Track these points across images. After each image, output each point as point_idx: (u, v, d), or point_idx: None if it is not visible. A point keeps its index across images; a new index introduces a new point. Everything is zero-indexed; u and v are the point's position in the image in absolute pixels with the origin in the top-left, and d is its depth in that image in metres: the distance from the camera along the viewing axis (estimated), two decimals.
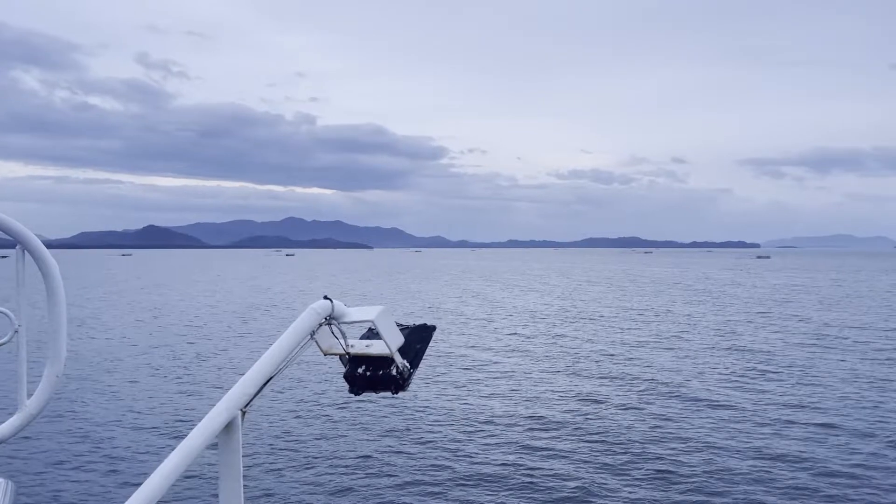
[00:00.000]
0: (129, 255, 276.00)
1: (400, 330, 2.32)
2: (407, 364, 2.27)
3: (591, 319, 34.72)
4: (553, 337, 28.16)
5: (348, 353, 2.25)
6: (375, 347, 2.25)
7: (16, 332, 2.17)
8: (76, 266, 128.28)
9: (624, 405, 16.19)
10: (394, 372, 2.24)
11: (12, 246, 2.22)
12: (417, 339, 2.39)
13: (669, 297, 49.55)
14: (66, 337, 2.14)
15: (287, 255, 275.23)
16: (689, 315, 36.27)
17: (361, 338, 2.32)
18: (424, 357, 2.37)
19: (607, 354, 23.48)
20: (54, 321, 2.12)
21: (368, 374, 2.25)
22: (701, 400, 16.62)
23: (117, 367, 21.32)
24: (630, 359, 22.55)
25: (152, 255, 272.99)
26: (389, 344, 2.21)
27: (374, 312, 2.20)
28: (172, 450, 1.77)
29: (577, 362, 22.04)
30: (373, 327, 2.23)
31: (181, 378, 19.53)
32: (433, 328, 2.47)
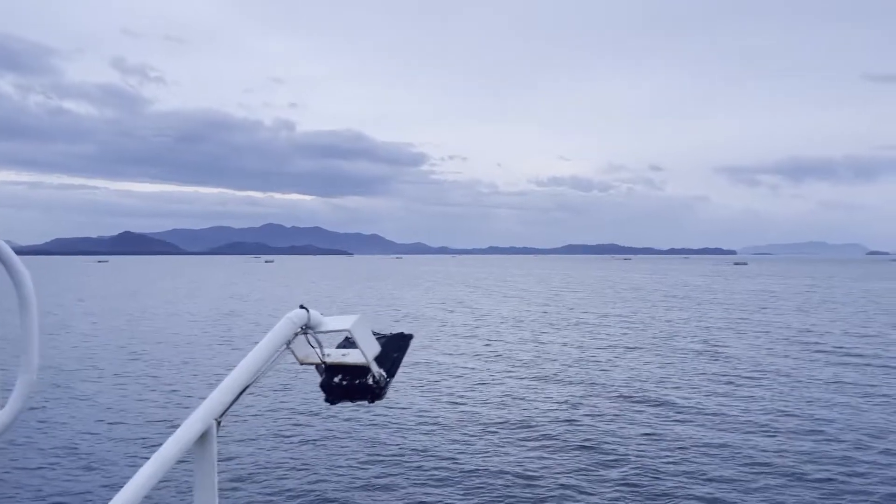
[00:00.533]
0: (106, 261, 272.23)
1: (377, 339, 2.31)
2: (383, 373, 2.26)
3: (571, 326, 34.72)
4: (533, 344, 28.08)
5: (324, 363, 2.23)
6: (352, 356, 2.23)
7: None
8: (51, 273, 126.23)
9: (604, 412, 16.12)
10: (370, 381, 2.23)
11: None
12: (394, 347, 2.36)
13: (650, 303, 49.78)
14: (38, 346, 2.08)
15: (266, 261, 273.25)
16: (669, 321, 36.44)
17: (338, 347, 2.29)
18: (401, 366, 2.35)
19: (587, 361, 23.44)
20: (27, 330, 2.06)
21: (345, 383, 2.23)
22: (681, 406, 16.61)
23: (91, 376, 20.88)
24: (611, 365, 22.52)
25: (128, 262, 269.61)
26: (366, 353, 2.19)
27: (350, 321, 2.19)
28: (147, 460, 1.74)
29: (558, 369, 21.91)
30: (349, 336, 2.22)
31: (156, 387, 19.16)
32: (410, 337, 2.45)
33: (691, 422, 15.14)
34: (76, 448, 13.31)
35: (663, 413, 15.95)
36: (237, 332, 32.15)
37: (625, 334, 30.77)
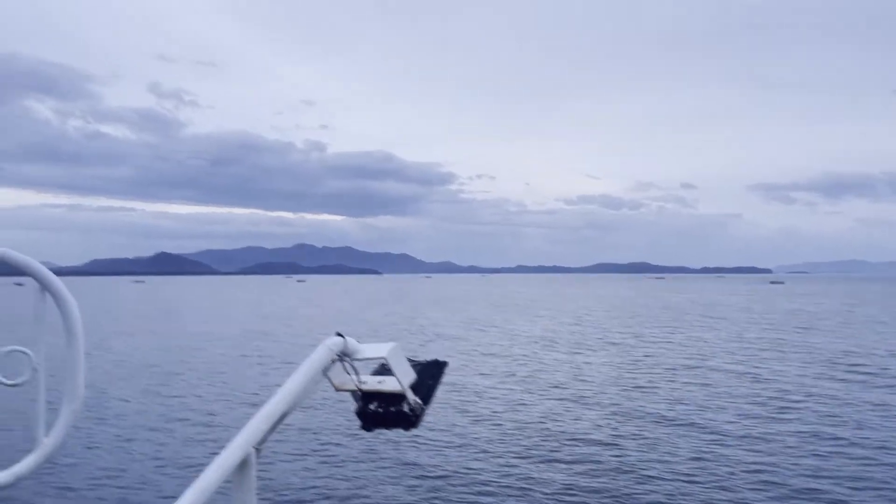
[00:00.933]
0: (142, 281, 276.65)
1: (412, 366, 2.31)
2: (419, 400, 2.25)
3: (607, 346, 34.33)
4: (568, 365, 27.82)
5: (360, 390, 2.23)
6: (387, 384, 2.23)
7: (34, 370, 2.15)
8: (88, 293, 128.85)
9: (645, 434, 15.86)
10: (406, 408, 2.22)
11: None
12: (429, 375, 2.35)
13: (687, 323, 49.04)
14: (83, 375, 2.14)
15: (298, 280, 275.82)
16: (707, 341, 35.84)
17: (373, 374, 2.29)
18: (436, 393, 2.34)
19: (625, 382, 23.15)
20: (72, 359, 2.13)
21: (381, 410, 2.23)
22: (724, 429, 16.30)
23: (132, 397, 21.16)
24: (650, 386, 22.19)
25: (165, 282, 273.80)
26: (401, 380, 2.20)
27: (385, 349, 2.20)
28: (187, 487, 1.77)
29: (595, 391, 21.63)
30: (385, 363, 2.22)
31: (195, 413, 19.28)
32: (445, 364, 2.44)
33: (735, 445, 14.83)
34: (117, 475, 13.42)
35: (706, 436, 15.66)
36: (273, 353, 32.35)
37: (663, 355, 30.32)
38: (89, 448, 15.15)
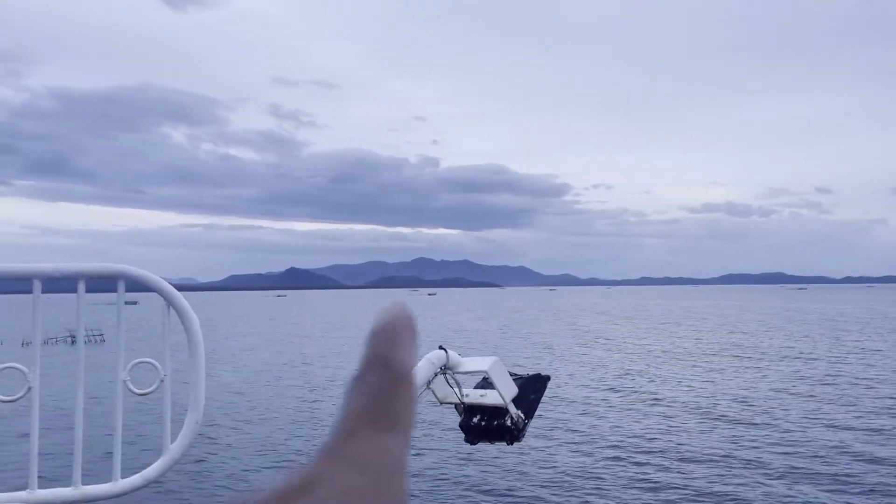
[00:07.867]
0: (284, 295, 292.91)
1: (514, 380, 2.31)
2: (521, 414, 2.23)
3: (756, 363, 32.41)
4: (699, 382, 25.99)
5: (463, 403, 2.23)
6: (489, 397, 2.23)
7: (162, 381, 2.32)
8: (242, 307, 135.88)
9: (781, 467, 14.31)
10: (508, 422, 2.21)
11: (139, 290, 2.39)
12: (532, 389, 2.35)
13: (877, 336, 45.20)
14: (204, 386, 2.28)
15: (429, 294, 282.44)
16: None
17: (476, 387, 2.29)
18: (539, 407, 2.33)
19: (769, 403, 21.29)
20: (195, 371, 2.26)
21: (483, 423, 2.22)
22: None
23: (252, 409, 21.90)
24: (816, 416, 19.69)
25: (302, 296, 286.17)
26: (503, 394, 2.19)
27: (487, 363, 2.20)
28: None
29: (724, 410, 20.08)
30: (487, 377, 2.22)
31: (306, 422, 19.67)
32: (547, 378, 2.43)
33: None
34: (231, 482, 14.09)
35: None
36: None
37: (841, 377, 28.32)
38: (209, 455, 15.87)
